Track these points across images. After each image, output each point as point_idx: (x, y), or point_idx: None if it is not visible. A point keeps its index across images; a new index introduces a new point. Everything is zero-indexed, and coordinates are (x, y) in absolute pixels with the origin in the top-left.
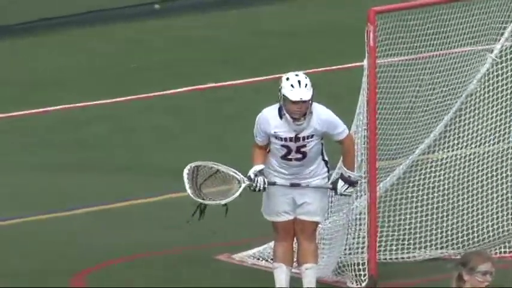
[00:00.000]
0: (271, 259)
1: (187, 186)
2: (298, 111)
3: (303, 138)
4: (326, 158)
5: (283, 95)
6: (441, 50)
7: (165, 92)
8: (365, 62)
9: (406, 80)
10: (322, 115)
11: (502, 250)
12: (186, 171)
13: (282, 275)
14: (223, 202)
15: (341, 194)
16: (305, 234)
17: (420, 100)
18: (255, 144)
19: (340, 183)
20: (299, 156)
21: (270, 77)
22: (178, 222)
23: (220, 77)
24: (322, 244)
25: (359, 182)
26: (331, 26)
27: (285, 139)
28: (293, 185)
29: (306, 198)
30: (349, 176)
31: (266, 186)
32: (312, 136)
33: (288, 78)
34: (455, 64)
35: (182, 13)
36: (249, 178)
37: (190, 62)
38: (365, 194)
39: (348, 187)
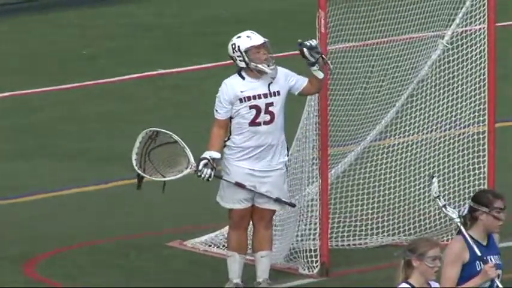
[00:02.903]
0: (223, 246)
1: (134, 151)
2: (266, 56)
3: (270, 95)
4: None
5: (246, 48)
6: (392, 36)
7: (114, 79)
8: None
9: (357, 66)
10: (284, 70)
11: (452, 237)
12: (143, 133)
13: (235, 263)
14: (161, 179)
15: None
16: (263, 222)
17: (372, 86)
18: (215, 123)
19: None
20: (268, 118)
21: (218, 63)
22: (130, 209)
23: (169, 64)
24: (274, 230)
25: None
26: (279, 13)
27: (253, 97)
28: (238, 185)
29: (268, 187)
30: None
31: (211, 179)
32: (278, 93)
33: (239, 36)
34: (406, 50)
35: (132, 0)
36: (197, 166)
37: (139, 49)
38: (317, 181)
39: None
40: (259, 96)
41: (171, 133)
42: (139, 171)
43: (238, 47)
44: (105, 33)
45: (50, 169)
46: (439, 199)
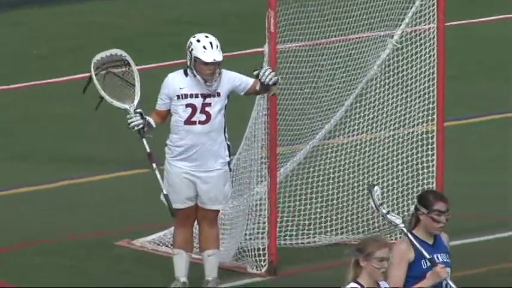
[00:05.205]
0: (172, 245)
1: (100, 55)
2: (210, 72)
3: (209, 95)
4: (229, 143)
5: (195, 56)
6: (342, 35)
7: (67, 78)
8: (265, 48)
9: (306, 65)
10: (229, 73)
11: (400, 236)
12: (118, 51)
13: (181, 261)
14: (101, 94)
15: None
16: (207, 221)
17: (320, 85)
18: (154, 111)
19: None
20: (203, 118)
21: (172, 62)
22: (79, 208)
23: None
24: (223, 229)
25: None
26: (231, 14)
27: (190, 95)
28: (149, 155)
29: (208, 187)
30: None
31: (135, 129)
32: (218, 94)
33: (198, 40)
34: (355, 49)
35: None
36: (134, 111)
37: (91, 49)
38: (265, 180)
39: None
40: (196, 95)
41: (136, 74)
42: (92, 72)
43: (192, 49)
44: (57, 33)
45: (1, 168)
46: (382, 206)
